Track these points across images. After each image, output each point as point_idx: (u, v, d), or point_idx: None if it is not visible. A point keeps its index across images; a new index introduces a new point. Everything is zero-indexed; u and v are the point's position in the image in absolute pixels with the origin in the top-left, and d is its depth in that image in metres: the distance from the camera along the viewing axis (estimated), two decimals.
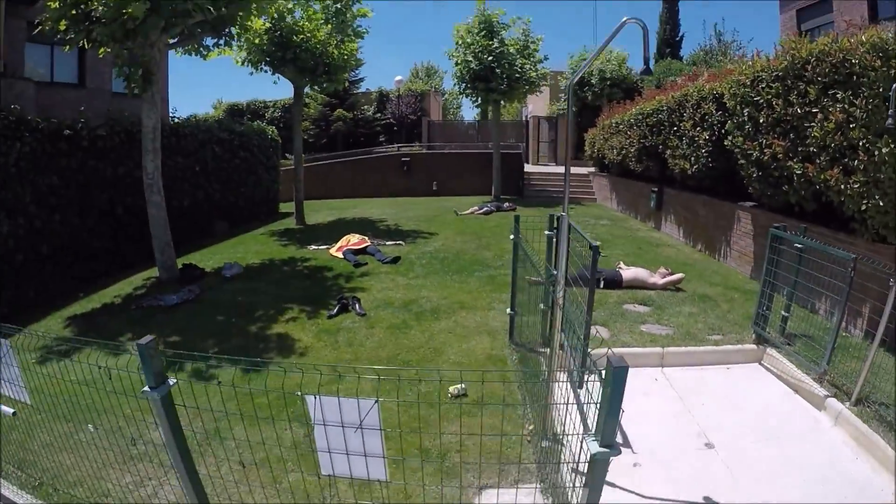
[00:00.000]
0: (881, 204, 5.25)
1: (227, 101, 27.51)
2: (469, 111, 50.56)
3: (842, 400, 4.14)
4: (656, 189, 11.91)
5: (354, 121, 25.13)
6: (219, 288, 7.69)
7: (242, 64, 12.32)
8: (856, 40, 5.56)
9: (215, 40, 8.88)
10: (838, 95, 5.70)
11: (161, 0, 6.87)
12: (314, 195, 18.02)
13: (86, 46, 7.58)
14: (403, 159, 20.53)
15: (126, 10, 6.58)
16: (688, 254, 9.63)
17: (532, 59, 17.08)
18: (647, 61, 3.29)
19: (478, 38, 16.61)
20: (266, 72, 12.79)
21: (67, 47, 7.84)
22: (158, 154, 7.91)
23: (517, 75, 16.59)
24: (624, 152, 13.74)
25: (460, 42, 17.02)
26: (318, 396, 1.87)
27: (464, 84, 17.24)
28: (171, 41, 8.19)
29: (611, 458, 1.71)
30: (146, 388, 2.06)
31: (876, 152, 5.21)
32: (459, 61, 16.95)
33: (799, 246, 5.05)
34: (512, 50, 16.67)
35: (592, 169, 18.59)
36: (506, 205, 15.73)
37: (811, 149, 6.17)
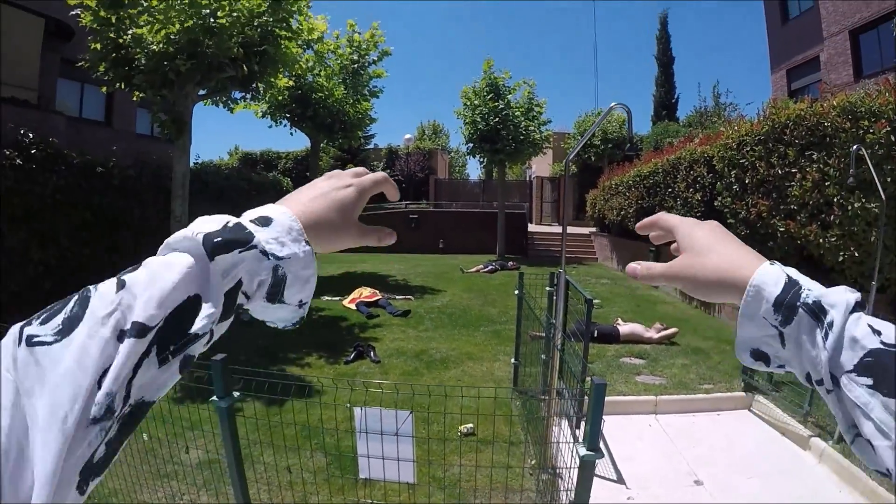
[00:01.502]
0: (856, 255, 5.73)
1: (243, 150, 28.36)
2: (474, 170, 51.76)
3: (825, 439, 4.48)
4: (654, 248, 12.40)
5: None
6: (237, 330, 7.97)
7: (263, 116, 13.05)
8: (828, 104, 6.17)
9: (242, 94, 9.60)
10: (814, 156, 6.27)
11: (199, 55, 7.55)
12: None
13: (122, 88, 8.20)
14: (411, 216, 21.15)
15: (170, 63, 7.26)
16: (684, 310, 10.02)
17: (536, 121, 17.70)
18: (631, 140, 3.90)
19: (485, 99, 17.35)
20: (285, 125, 13.56)
21: (105, 88, 8.45)
22: (186, 200, 8.46)
23: (522, 137, 17.20)
24: (623, 213, 14.32)
25: (468, 103, 17.77)
26: (363, 408, 2.27)
27: (471, 144, 17.93)
28: (202, 92, 8.82)
29: (596, 460, 2.09)
30: (215, 398, 2.47)
31: (849, 207, 5.74)
32: (467, 121, 17.70)
33: None
34: (517, 112, 17.32)
35: (594, 229, 19.18)
36: (510, 263, 16.18)
37: (792, 206, 6.70)
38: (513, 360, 5.96)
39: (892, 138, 5.38)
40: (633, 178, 13.27)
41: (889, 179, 5.24)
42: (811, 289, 0.54)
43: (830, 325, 0.51)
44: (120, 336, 0.48)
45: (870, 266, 5.71)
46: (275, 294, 0.60)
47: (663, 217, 0.71)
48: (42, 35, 11.20)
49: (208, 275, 0.55)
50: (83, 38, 8.19)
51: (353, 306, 9.90)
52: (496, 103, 17.27)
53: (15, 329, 0.47)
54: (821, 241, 6.25)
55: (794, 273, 0.56)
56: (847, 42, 15.94)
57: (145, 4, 7.27)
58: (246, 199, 13.23)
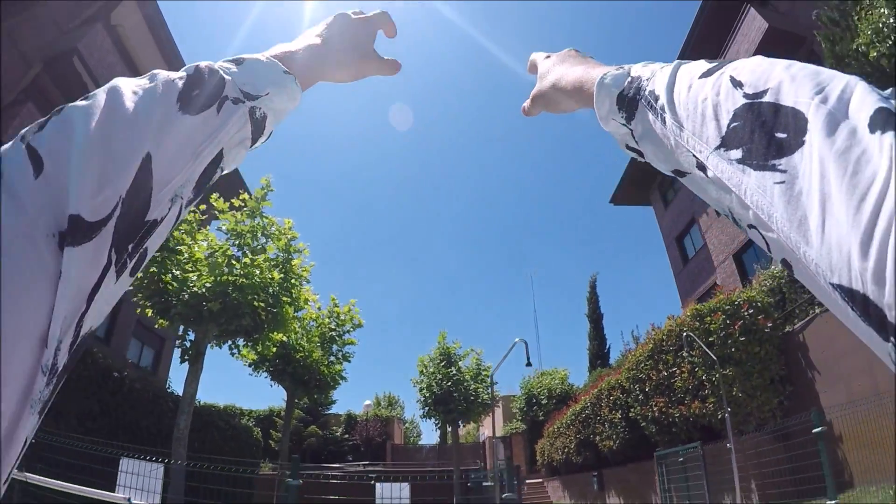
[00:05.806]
0: (729, 410, 7.88)
1: (204, 402, 28.19)
2: (429, 437, 51.97)
3: None
4: (596, 473, 13.88)
5: (325, 439, 26.73)
6: None
7: (249, 365, 14.98)
8: (684, 314, 8.95)
9: (245, 342, 11.77)
10: (683, 354, 8.80)
11: (228, 302, 9.91)
12: None
13: (149, 315, 10.22)
14: (370, 475, 21.64)
15: (206, 304, 9.57)
16: None
17: (484, 383, 19.82)
18: (528, 359, 6.40)
19: (438, 366, 19.67)
20: (265, 377, 15.45)
21: (149, 312, 10.31)
22: (191, 416, 9.94)
23: (472, 398, 19.23)
24: (566, 449, 16.03)
25: (423, 370, 20.02)
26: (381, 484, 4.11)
27: (427, 407, 19.71)
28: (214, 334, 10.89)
29: None
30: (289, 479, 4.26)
31: (713, 378, 8.13)
32: (423, 387, 19.75)
33: (680, 459, 7.45)
34: (467, 376, 19.63)
35: (545, 477, 20.46)
36: None
37: (680, 395, 8.96)
38: None
39: (727, 321, 8.11)
40: (570, 417, 15.34)
41: (733, 349, 7.78)
42: (650, 77, 0.47)
43: (662, 107, 0.43)
44: (60, 239, 0.30)
45: (743, 413, 7.84)
46: (255, 138, 0.51)
47: (531, 56, 0.69)
48: None
49: (171, 128, 0.39)
50: None
51: None
52: (448, 369, 19.59)
53: None
54: (703, 411, 8.41)
55: (640, 69, 0.49)
56: (733, 264, 18.63)
57: (187, 256, 9.91)
58: (222, 437, 14.38)
